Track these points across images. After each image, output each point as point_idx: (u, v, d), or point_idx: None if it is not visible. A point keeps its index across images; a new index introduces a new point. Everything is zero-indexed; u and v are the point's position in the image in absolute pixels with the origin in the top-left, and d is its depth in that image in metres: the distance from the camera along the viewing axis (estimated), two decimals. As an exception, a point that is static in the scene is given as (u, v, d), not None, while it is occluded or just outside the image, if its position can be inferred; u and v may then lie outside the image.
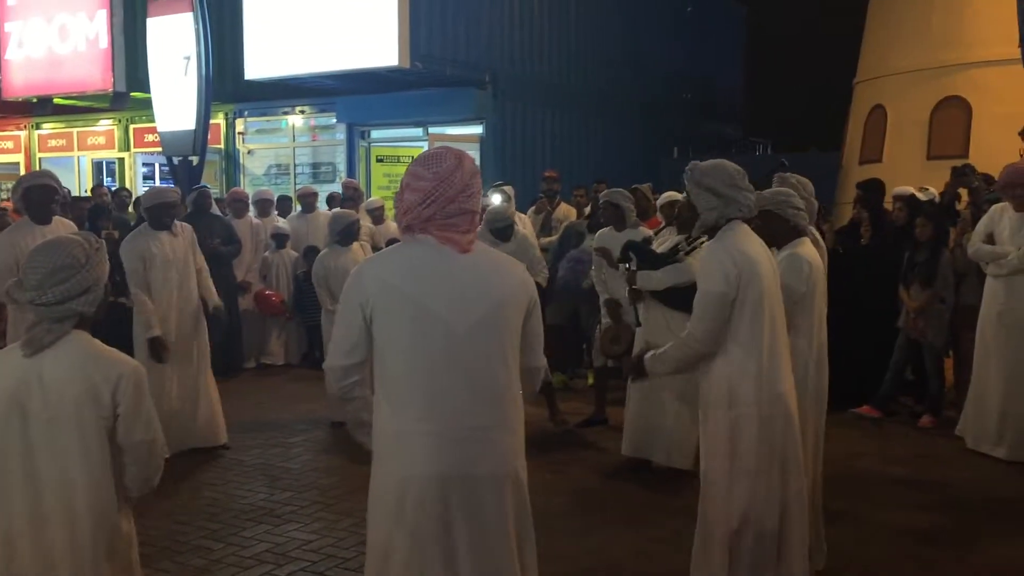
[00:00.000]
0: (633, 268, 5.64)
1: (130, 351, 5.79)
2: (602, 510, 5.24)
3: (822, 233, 5.98)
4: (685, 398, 5.43)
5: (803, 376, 3.92)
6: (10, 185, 15.70)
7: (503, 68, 13.88)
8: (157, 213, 6.24)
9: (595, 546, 4.67)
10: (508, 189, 7.46)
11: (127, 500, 2.78)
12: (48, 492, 2.62)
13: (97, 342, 2.73)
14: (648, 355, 3.77)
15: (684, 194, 3.86)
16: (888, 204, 7.83)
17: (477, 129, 13.87)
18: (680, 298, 5.51)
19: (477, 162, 13.19)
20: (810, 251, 4.11)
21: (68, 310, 2.63)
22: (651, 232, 6.30)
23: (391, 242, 7.94)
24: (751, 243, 3.52)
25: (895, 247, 7.23)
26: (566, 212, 9.47)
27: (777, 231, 4.06)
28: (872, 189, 7.82)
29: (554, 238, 8.88)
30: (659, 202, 7.02)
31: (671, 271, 5.49)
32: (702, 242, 5.36)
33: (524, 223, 7.84)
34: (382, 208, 10.16)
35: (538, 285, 7.06)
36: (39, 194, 5.78)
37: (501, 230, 6.85)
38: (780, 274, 3.71)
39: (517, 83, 14.05)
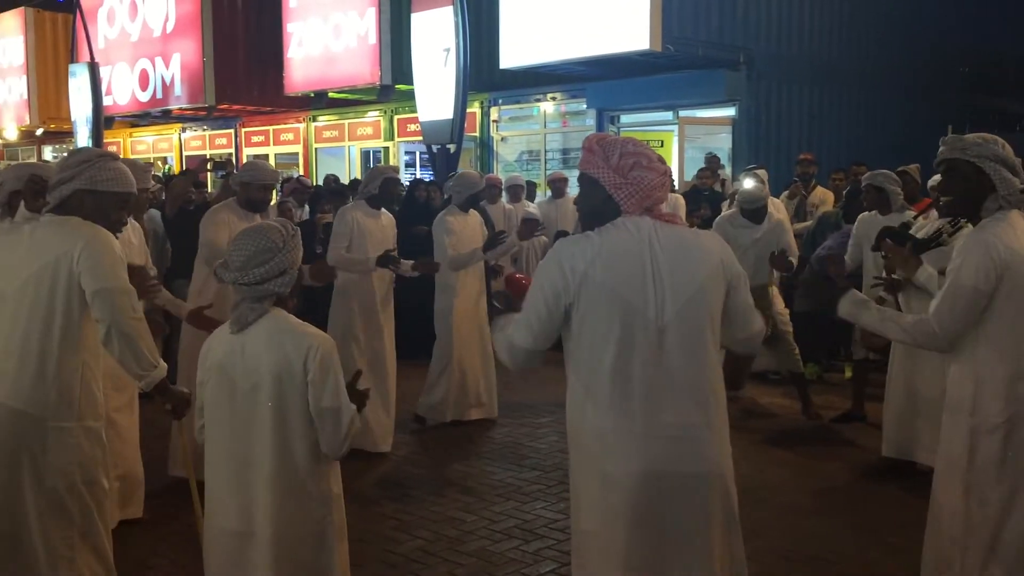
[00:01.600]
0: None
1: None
2: (853, 512, 4.96)
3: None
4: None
5: None
6: (289, 173, 17.22)
7: (758, 47, 13.36)
8: (473, 198, 6.95)
9: (842, 551, 4.40)
10: (761, 173, 7.21)
11: (326, 462, 2.90)
12: (250, 454, 2.83)
13: (292, 317, 2.89)
14: (857, 299, 3.31)
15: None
16: None
17: (729, 111, 13.49)
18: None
19: (729, 145, 12.77)
20: None
21: (266, 291, 2.82)
22: (914, 215, 5.89)
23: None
24: (1019, 235, 3.09)
25: None
26: (822, 196, 9.01)
27: None
28: None
29: (809, 223, 8.49)
30: (930, 184, 6.53)
31: (933, 255, 5.10)
32: (966, 224, 4.93)
33: (778, 208, 7.57)
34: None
35: (789, 269, 6.85)
36: (394, 186, 6.43)
37: (754, 211, 6.67)
38: None
39: (772, 62, 13.49)
